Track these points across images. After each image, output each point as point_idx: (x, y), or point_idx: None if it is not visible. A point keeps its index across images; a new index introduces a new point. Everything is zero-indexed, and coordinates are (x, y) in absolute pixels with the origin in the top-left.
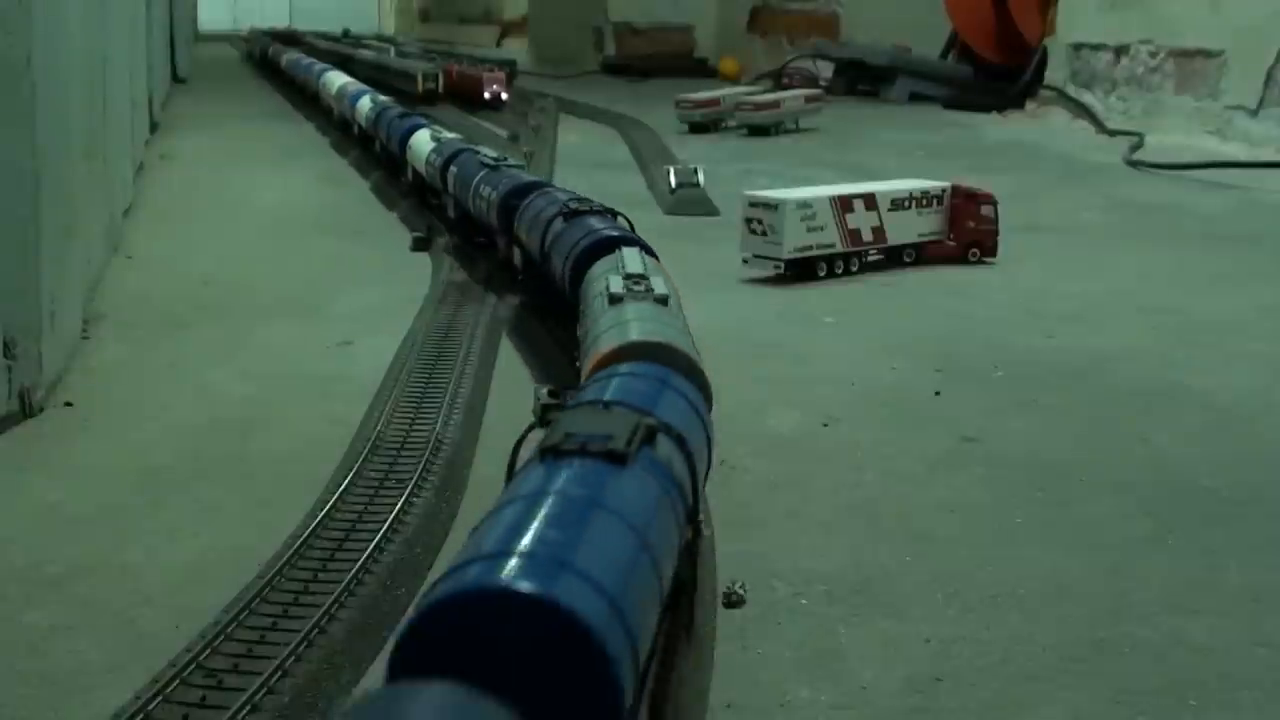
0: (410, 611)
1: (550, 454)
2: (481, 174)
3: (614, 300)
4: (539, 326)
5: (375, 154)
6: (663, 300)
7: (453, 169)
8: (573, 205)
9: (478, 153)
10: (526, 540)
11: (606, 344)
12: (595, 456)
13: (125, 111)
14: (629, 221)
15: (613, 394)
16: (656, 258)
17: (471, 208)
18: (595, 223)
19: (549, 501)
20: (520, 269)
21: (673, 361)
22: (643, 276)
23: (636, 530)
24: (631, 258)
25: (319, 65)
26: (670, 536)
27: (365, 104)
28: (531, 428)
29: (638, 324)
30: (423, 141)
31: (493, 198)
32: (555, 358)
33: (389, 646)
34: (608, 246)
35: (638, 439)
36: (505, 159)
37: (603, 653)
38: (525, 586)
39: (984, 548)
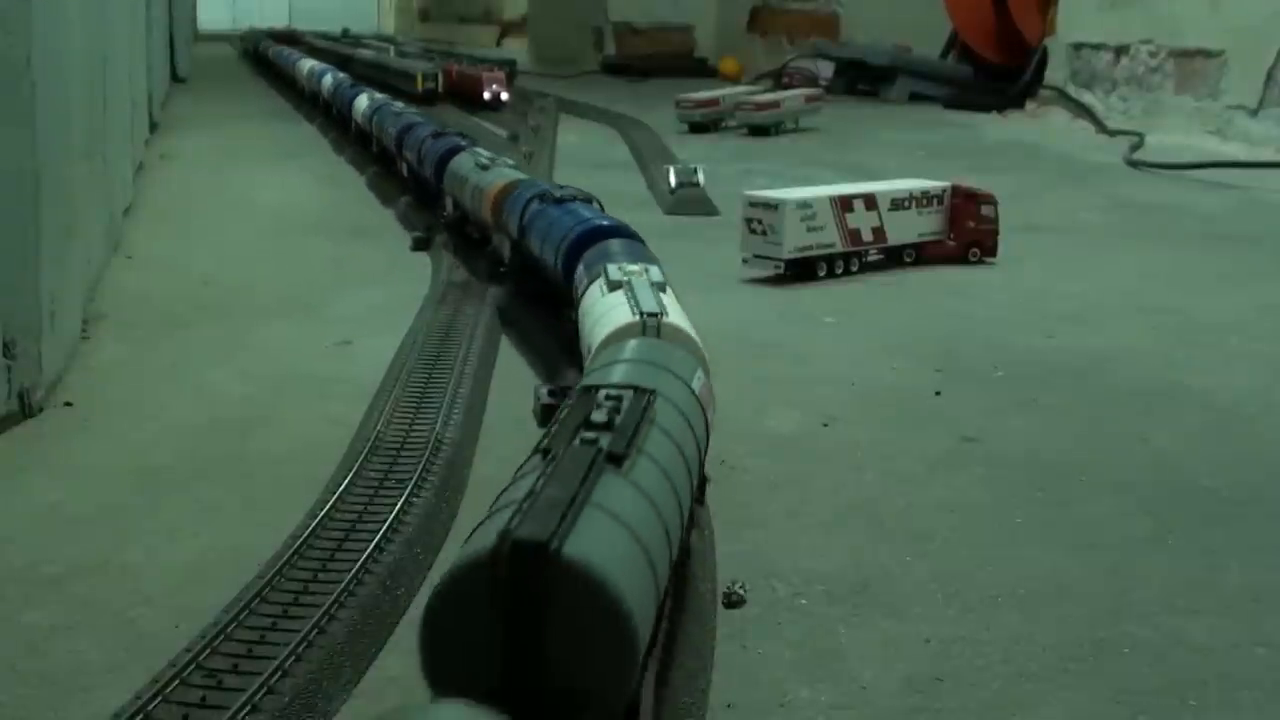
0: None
1: (555, 202)
2: (390, 119)
3: (484, 167)
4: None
5: (334, 118)
6: (515, 167)
7: (375, 119)
8: (439, 130)
9: (393, 107)
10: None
11: (498, 182)
12: (581, 200)
13: (125, 111)
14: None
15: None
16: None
17: (384, 143)
18: (453, 139)
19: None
20: (407, 178)
21: None
22: (495, 157)
23: (640, 240)
24: (483, 151)
25: (296, 55)
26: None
27: (328, 80)
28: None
29: (514, 172)
30: (361, 102)
31: (392, 132)
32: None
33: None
34: (462, 148)
35: (595, 201)
36: (410, 108)
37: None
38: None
39: (984, 548)
